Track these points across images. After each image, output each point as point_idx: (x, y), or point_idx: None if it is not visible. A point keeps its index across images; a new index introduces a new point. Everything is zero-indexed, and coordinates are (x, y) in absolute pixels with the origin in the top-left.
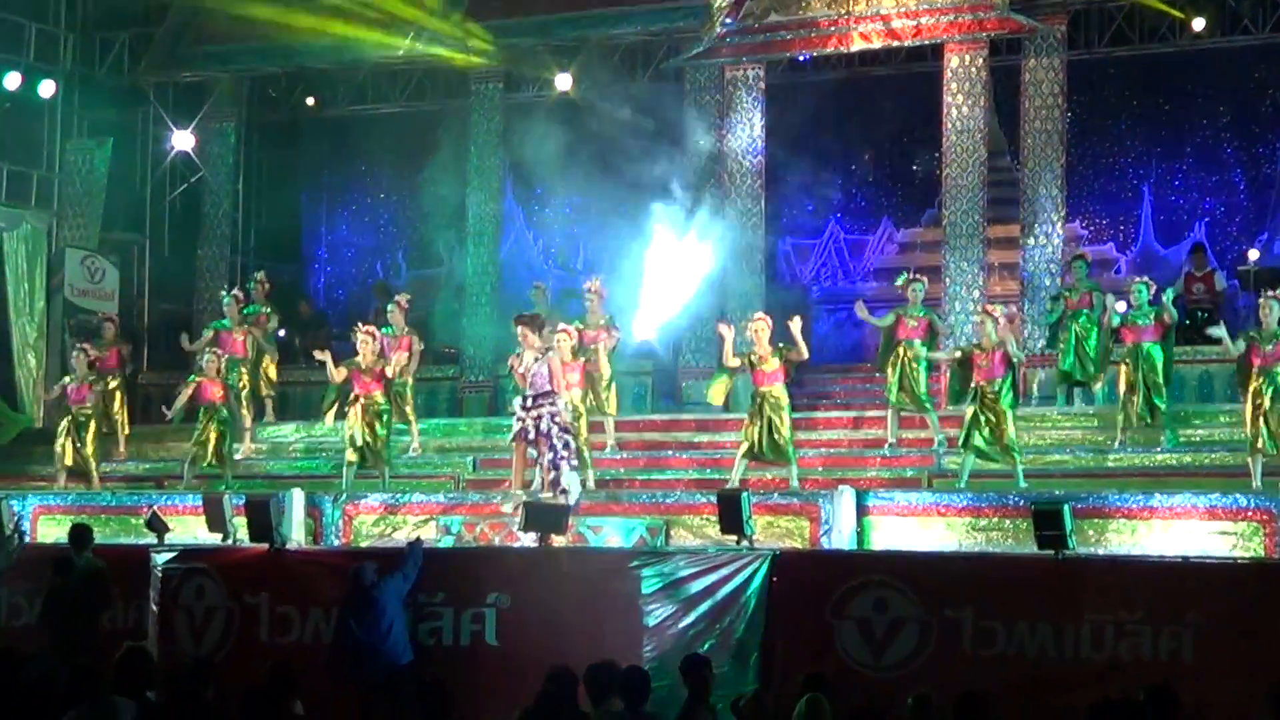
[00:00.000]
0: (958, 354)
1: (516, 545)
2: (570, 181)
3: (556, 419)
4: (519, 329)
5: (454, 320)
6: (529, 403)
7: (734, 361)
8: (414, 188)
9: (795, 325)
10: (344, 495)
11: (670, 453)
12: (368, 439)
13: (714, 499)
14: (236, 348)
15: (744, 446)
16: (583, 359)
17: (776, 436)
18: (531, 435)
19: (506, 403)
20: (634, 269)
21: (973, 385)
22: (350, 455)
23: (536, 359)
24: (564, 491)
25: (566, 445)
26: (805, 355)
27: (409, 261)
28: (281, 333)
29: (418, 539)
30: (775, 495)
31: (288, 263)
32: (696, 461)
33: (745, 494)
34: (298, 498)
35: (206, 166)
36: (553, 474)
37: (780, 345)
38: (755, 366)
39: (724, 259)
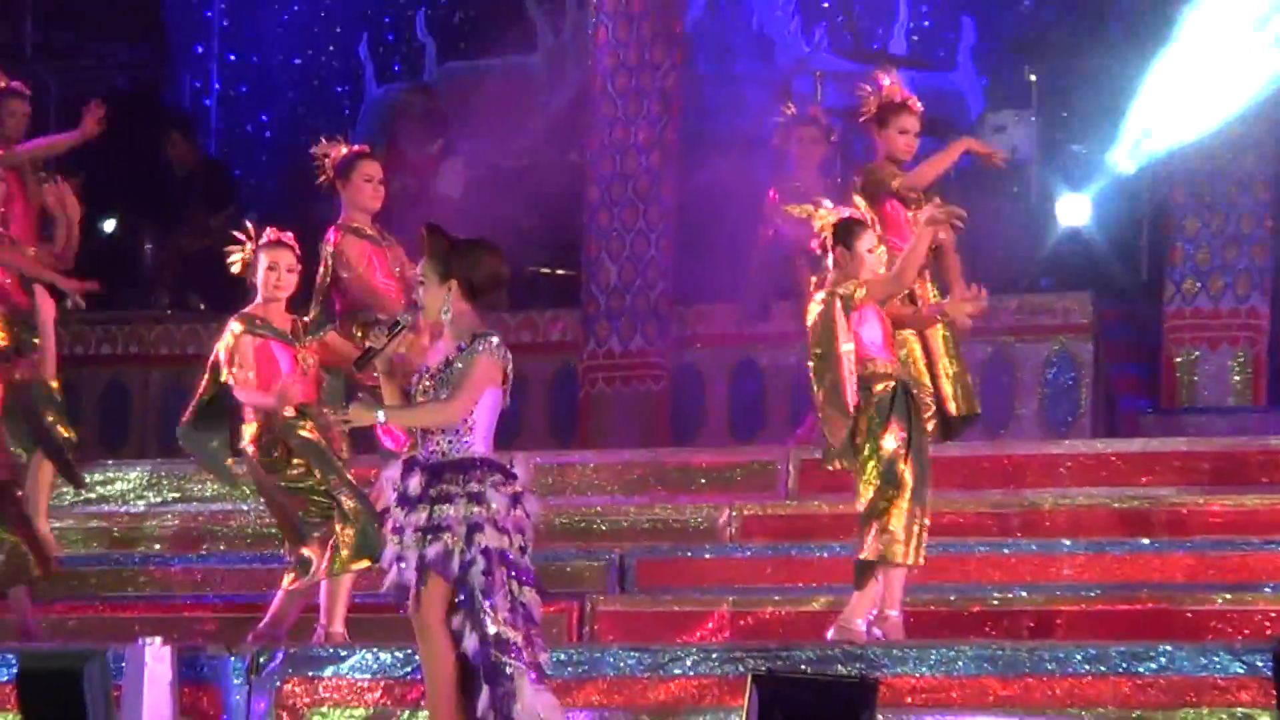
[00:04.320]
0: None
1: None
2: None
3: (508, 526)
4: (423, 259)
5: (565, 199)
6: (423, 482)
7: None
8: None
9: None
10: (273, 655)
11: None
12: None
13: None
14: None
15: None
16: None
17: None
18: (411, 577)
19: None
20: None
21: None
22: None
23: (460, 348)
24: None
25: (517, 619)
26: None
27: (444, 41)
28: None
29: None
30: None
31: (136, 42)
32: None
33: None
34: (155, 660)
35: None
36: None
37: None
38: None
39: None
